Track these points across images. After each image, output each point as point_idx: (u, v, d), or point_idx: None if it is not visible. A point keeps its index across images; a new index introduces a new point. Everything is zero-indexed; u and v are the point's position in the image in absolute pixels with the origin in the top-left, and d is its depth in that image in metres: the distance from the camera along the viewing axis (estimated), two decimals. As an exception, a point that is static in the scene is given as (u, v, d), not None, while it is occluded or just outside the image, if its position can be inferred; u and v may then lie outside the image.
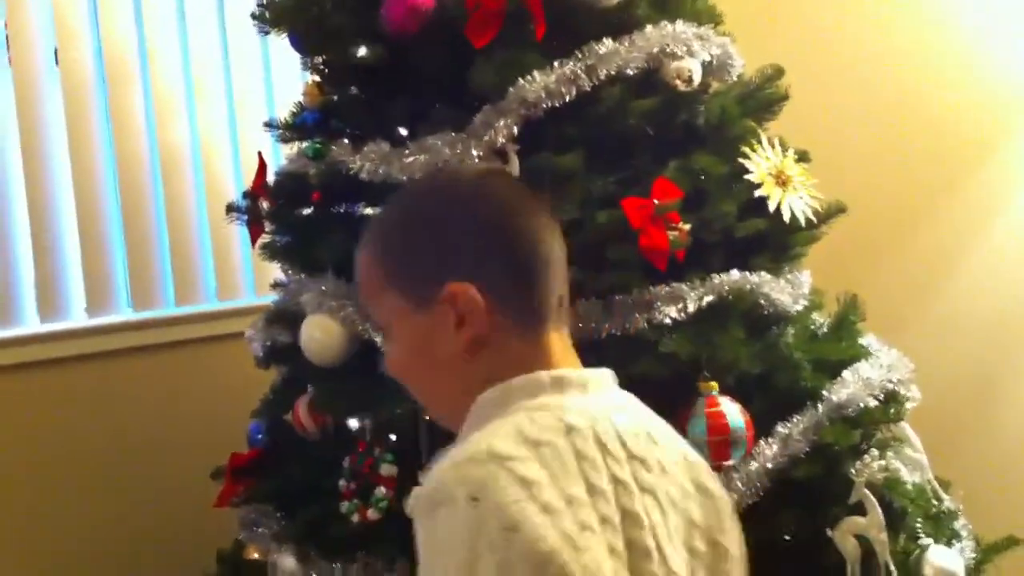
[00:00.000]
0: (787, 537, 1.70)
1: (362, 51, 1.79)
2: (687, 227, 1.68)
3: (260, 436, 2.00)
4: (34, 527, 2.34)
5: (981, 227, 2.82)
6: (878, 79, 2.81)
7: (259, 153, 2.06)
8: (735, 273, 1.74)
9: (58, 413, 2.39)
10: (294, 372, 1.95)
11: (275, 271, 2.21)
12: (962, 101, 2.79)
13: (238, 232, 2.56)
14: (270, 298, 2.12)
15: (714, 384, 1.66)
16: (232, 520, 1.99)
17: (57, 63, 2.45)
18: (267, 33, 1.92)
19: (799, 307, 1.84)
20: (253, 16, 1.92)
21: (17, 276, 2.39)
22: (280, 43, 2.00)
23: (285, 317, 1.94)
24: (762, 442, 1.68)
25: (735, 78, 1.92)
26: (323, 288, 1.80)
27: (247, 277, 2.69)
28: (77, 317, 2.46)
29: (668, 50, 1.75)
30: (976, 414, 2.79)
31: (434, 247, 1.16)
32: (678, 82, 1.76)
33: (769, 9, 2.72)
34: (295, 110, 1.94)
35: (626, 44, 1.73)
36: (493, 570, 0.92)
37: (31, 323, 2.40)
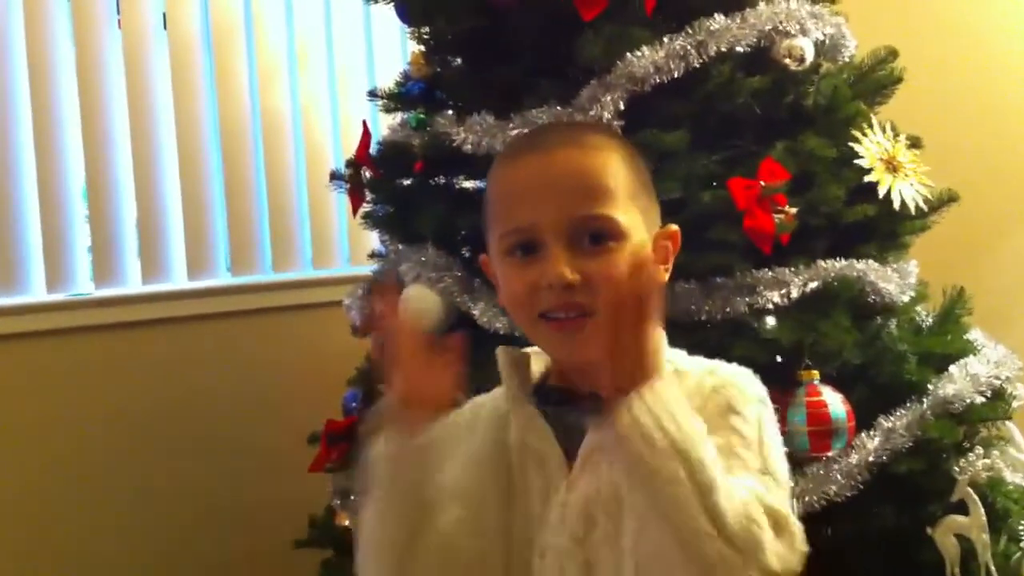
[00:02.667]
0: (884, 532, 1.66)
1: (467, 22, 1.77)
2: (793, 210, 1.64)
3: (355, 404, 2.01)
4: (130, 486, 2.40)
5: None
6: (995, 64, 2.73)
7: (363, 122, 2.06)
8: (841, 260, 1.70)
9: (155, 374, 2.44)
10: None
11: (370, 241, 2.22)
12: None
13: (335, 201, 2.58)
14: (364, 268, 2.13)
15: (815, 372, 1.63)
16: (325, 487, 2.01)
17: (165, 27, 2.49)
18: (375, 2, 1.92)
19: (905, 298, 1.79)
20: (362, -14, 1.92)
21: (121, 237, 2.44)
22: (382, 12, 2.00)
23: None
24: (863, 434, 1.64)
25: (847, 59, 1.87)
26: (422, 259, 1.80)
27: (342, 246, 2.71)
28: (178, 280, 2.51)
29: (781, 28, 1.71)
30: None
31: (652, 188, 1.23)
32: (789, 61, 1.72)
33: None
34: (400, 80, 1.94)
35: (738, 20, 1.69)
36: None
37: (133, 284, 2.46)
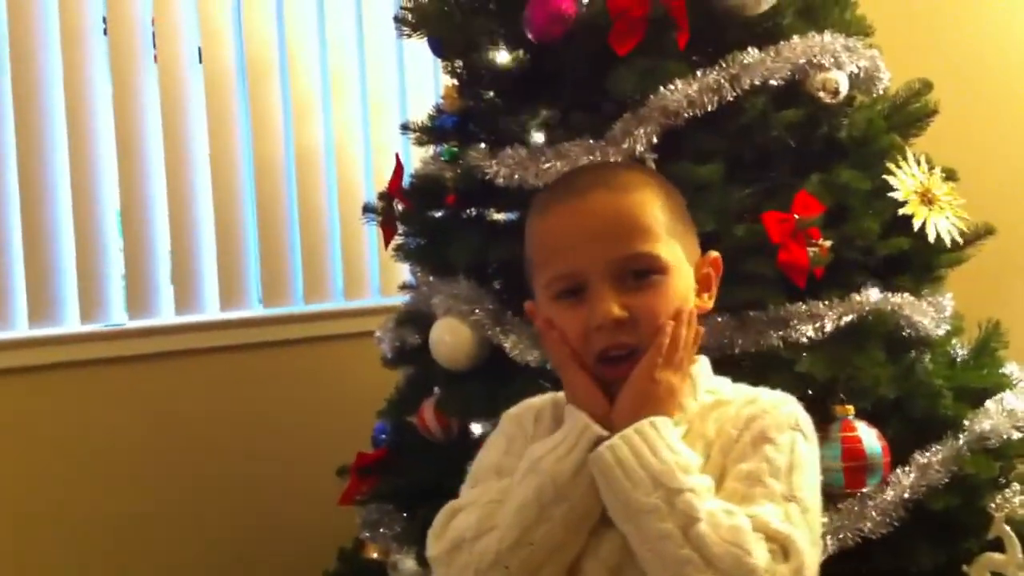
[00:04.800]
0: (920, 570, 1.64)
1: (502, 56, 1.78)
2: (828, 243, 1.64)
3: (385, 436, 2.01)
4: (162, 516, 2.41)
5: None
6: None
7: (396, 155, 2.07)
8: (876, 293, 1.69)
9: (188, 404, 2.45)
10: (421, 374, 1.96)
11: (401, 273, 2.22)
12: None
13: (366, 233, 2.60)
14: (395, 299, 2.13)
15: (850, 408, 1.61)
16: (354, 519, 2.01)
17: (201, 61, 2.52)
18: (408, 36, 1.93)
19: (940, 331, 1.77)
20: (396, 19, 1.94)
21: (154, 270, 2.46)
22: (414, 46, 2.01)
23: (415, 318, 1.95)
24: (898, 470, 1.62)
25: (881, 91, 1.86)
26: (454, 291, 1.80)
27: (373, 278, 2.73)
28: (210, 311, 2.52)
29: (815, 61, 1.71)
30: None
31: (689, 217, 1.27)
32: (823, 94, 1.71)
33: (918, 22, 2.63)
34: (433, 113, 1.95)
35: (771, 54, 1.70)
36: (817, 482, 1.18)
37: (167, 314, 2.48)
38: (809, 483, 1.15)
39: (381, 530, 1.91)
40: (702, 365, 1.26)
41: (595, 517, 1.16)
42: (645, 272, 1.18)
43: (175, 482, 2.42)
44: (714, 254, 1.27)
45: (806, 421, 1.20)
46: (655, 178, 1.30)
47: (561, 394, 1.24)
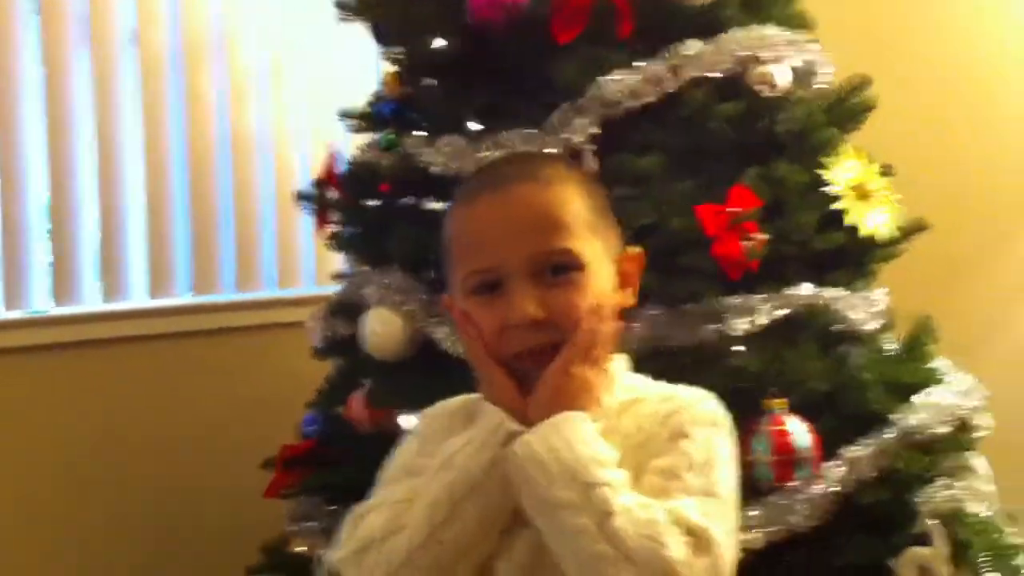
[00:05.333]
0: (848, 564, 1.64)
1: (442, 43, 1.77)
2: (763, 237, 1.64)
3: (313, 427, 1.98)
4: (82, 507, 2.35)
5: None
6: (969, 94, 2.74)
7: (330, 142, 2.04)
8: (809, 287, 1.70)
9: (114, 392, 2.40)
10: (352, 365, 1.93)
11: (336, 261, 2.19)
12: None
13: (302, 220, 2.56)
14: (330, 288, 2.11)
15: (781, 401, 1.62)
16: (280, 512, 1.97)
17: (135, 43, 2.46)
18: (349, 21, 1.91)
19: (873, 326, 1.79)
20: (337, 3, 1.91)
21: (81, 254, 2.40)
22: (354, 30, 1.99)
23: (347, 308, 1.92)
24: (828, 464, 1.63)
25: (822, 86, 1.87)
26: (387, 281, 1.78)
27: (308, 266, 2.69)
28: (139, 298, 2.47)
29: (755, 54, 1.71)
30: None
31: (610, 212, 1.26)
32: (763, 87, 1.72)
33: (858, 17, 2.65)
34: (372, 100, 1.92)
35: (713, 46, 1.70)
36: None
37: (93, 301, 2.42)
38: (727, 478, 1.15)
39: (308, 524, 1.88)
40: (620, 362, 1.26)
41: (507, 515, 1.15)
42: (563, 268, 1.17)
43: (99, 474, 2.36)
44: (636, 250, 1.26)
45: (724, 417, 1.21)
46: (577, 173, 1.30)
47: (477, 395, 1.22)
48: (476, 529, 1.14)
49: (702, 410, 1.20)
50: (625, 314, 1.25)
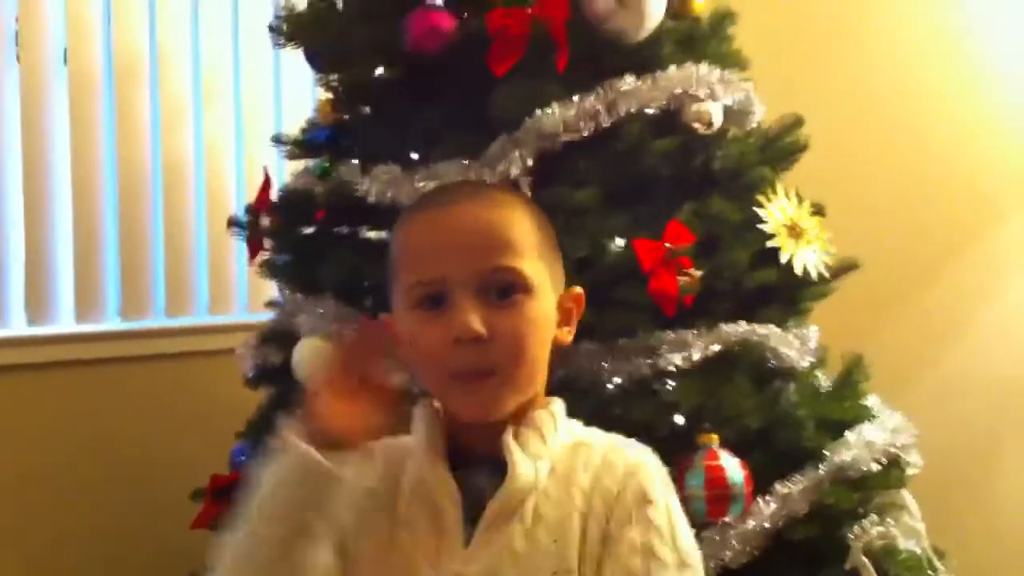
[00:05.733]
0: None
1: (379, 71, 1.75)
2: (698, 273, 1.65)
3: (243, 458, 1.94)
4: (7, 534, 2.28)
5: (992, 290, 2.80)
6: (898, 135, 2.79)
7: (264, 168, 2.02)
8: (743, 324, 1.70)
9: (40, 418, 2.33)
10: (283, 394, 1.90)
11: (269, 289, 2.16)
12: (981, 161, 2.77)
13: (235, 246, 2.52)
14: (262, 316, 2.08)
15: (715, 437, 1.62)
16: (208, 543, 1.93)
17: (66, 62, 2.41)
18: (283, 46, 1.89)
19: (805, 363, 1.80)
20: (270, 28, 1.89)
21: (6, 277, 2.34)
22: (291, 55, 1.97)
23: (278, 337, 1.89)
24: (760, 500, 1.63)
25: (755, 124, 1.89)
26: (320, 310, 1.76)
27: (240, 293, 2.65)
28: (65, 322, 2.41)
29: (691, 92, 1.72)
30: (975, 483, 2.74)
31: (558, 247, 1.24)
32: (698, 125, 1.73)
33: (791, 58, 2.68)
34: (306, 127, 1.91)
35: (649, 83, 1.70)
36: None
37: (18, 325, 2.36)
38: (690, 539, 1.17)
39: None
40: (559, 405, 1.23)
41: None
42: (509, 290, 1.15)
43: (24, 500, 2.29)
44: (578, 290, 1.25)
45: (664, 469, 1.21)
46: (529, 202, 1.29)
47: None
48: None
49: (655, 470, 1.19)
50: (560, 353, 1.24)
